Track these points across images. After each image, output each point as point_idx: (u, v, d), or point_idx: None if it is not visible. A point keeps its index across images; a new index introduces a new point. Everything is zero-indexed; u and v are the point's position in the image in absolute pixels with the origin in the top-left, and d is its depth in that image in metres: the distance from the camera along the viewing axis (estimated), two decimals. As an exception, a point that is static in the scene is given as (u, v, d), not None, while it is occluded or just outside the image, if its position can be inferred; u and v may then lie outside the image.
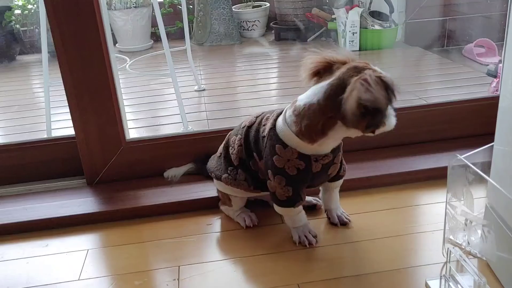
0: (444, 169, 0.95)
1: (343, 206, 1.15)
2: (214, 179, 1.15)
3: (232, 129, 1.15)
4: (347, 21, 2.85)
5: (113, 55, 1.30)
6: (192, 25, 3.43)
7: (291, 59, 2.91)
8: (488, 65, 2.33)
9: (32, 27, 3.29)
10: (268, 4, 3.53)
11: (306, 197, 1.09)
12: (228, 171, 1.10)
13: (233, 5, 3.41)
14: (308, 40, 3.26)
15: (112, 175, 1.35)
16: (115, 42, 3.30)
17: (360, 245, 1.05)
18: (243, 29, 3.50)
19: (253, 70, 2.77)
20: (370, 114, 0.84)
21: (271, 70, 2.79)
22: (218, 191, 1.17)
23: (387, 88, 0.85)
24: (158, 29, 1.86)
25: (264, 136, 1.01)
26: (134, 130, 1.89)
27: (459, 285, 0.85)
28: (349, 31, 2.86)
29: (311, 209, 1.18)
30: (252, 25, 3.47)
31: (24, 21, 3.26)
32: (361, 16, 2.86)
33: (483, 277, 0.78)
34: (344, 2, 3.07)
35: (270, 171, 1.00)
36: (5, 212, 1.24)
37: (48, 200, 1.29)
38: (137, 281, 0.99)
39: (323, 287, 0.93)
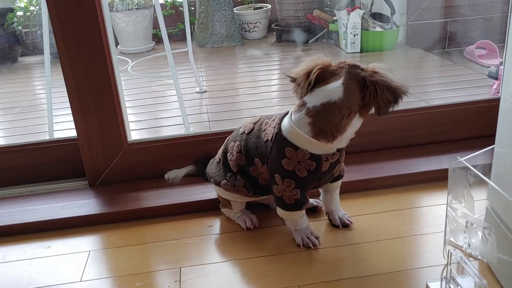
0: (445, 171, 0.95)
1: (344, 208, 1.15)
2: (213, 185, 1.15)
3: (233, 131, 1.15)
4: (349, 23, 2.85)
5: (115, 56, 1.30)
6: (193, 27, 3.44)
7: (292, 60, 2.92)
8: (489, 67, 2.33)
9: (34, 29, 3.30)
10: (269, 6, 3.53)
11: (307, 199, 1.10)
12: (227, 177, 1.10)
13: (234, 7, 3.42)
14: (309, 42, 3.27)
15: (113, 177, 1.35)
16: (116, 43, 3.30)
17: (361, 247, 1.05)
18: (245, 31, 3.50)
19: (254, 71, 2.78)
20: (399, 99, 0.95)
21: (273, 72, 2.79)
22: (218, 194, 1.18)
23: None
24: (159, 30, 1.86)
25: (267, 141, 1.01)
26: (135, 131, 1.90)
27: (459, 287, 0.85)
28: (350, 33, 2.86)
29: (312, 211, 1.18)
30: (254, 27, 3.48)
31: (26, 23, 3.27)
32: (362, 18, 2.86)
33: (483, 279, 0.78)
34: (345, 4, 3.07)
35: (278, 175, 1.00)
36: (7, 213, 1.25)
37: (50, 201, 1.29)
38: (139, 282, 0.99)
39: (324, 289, 0.93)
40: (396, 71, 2.60)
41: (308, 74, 0.97)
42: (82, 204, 1.26)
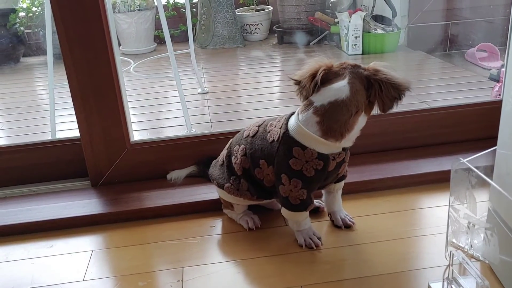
0: (447, 172, 0.95)
1: (346, 209, 1.16)
2: (216, 187, 1.16)
3: (235, 132, 1.16)
4: (350, 25, 2.86)
5: (118, 57, 1.31)
6: (195, 28, 3.45)
7: (293, 62, 2.92)
8: (490, 69, 2.34)
9: (36, 29, 3.31)
10: (271, 8, 3.54)
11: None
12: (231, 181, 1.10)
13: (236, 9, 3.43)
14: (310, 43, 3.27)
15: (116, 177, 1.36)
16: (118, 44, 3.31)
17: (362, 247, 1.05)
18: (246, 32, 3.51)
19: (256, 73, 2.78)
20: (403, 96, 0.98)
21: (274, 74, 2.80)
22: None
23: None
24: (161, 32, 1.87)
25: (273, 141, 1.02)
26: (137, 132, 1.90)
27: (461, 288, 0.86)
28: (352, 35, 2.87)
29: (314, 212, 1.18)
30: (255, 29, 3.49)
31: (29, 24, 3.28)
32: (364, 20, 2.87)
33: (485, 280, 0.78)
34: (347, 6, 3.08)
35: (285, 175, 1.00)
36: (10, 213, 1.25)
37: (52, 201, 1.30)
38: (141, 282, 0.99)
39: (326, 289, 0.93)
40: (398, 73, 2.60)
41: (313, 75, 0.97)
42: (85, 204, 1.26)
